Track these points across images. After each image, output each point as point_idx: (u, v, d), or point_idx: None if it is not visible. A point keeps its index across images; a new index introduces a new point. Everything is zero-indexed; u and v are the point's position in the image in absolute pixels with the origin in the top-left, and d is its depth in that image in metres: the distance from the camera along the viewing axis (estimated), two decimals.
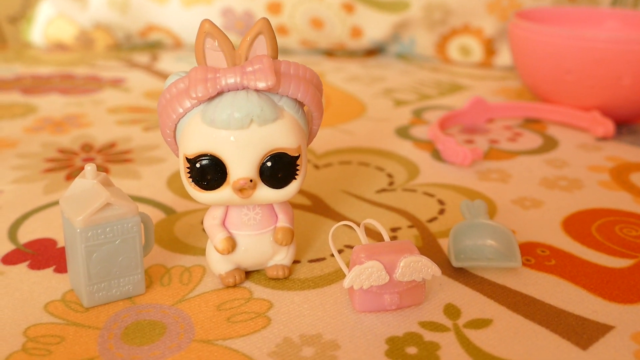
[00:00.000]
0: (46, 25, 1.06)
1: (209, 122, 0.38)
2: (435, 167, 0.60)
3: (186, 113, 0.39)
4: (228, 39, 0.39)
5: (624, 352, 0.36)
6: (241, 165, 0.38)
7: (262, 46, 0.39)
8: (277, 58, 0.39)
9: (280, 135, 0.38)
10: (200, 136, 0.38)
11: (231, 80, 0.37)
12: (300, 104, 0.40)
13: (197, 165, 0.38)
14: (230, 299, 0.40)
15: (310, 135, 0.42)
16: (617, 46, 0.65)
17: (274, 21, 0.98)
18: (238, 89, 0.38)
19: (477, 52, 0.97)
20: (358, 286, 0.38)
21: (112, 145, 0.65)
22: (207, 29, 0.38)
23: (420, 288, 0.39)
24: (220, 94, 0.38)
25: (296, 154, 0.39)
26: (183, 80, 0.39)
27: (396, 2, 0.95)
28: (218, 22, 1.00)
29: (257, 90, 0.38)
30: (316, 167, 0.60)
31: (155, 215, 0.51)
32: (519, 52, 0.73)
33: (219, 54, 0.39)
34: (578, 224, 0.50)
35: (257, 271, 0.43)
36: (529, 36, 0.71)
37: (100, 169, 0.59)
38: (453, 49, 0.98)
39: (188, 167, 0.39)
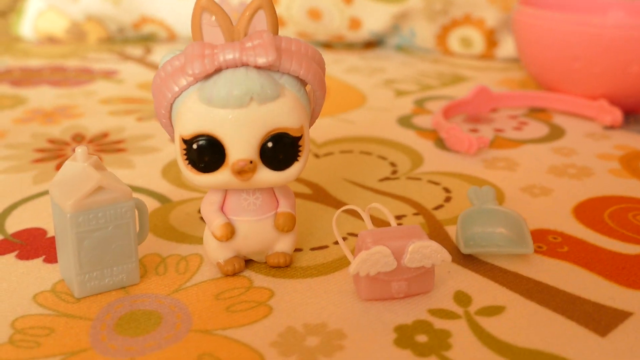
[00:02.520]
0: (37, 18, 1.04)
1: (206, 100, 0.36)
2: (439, 156, 0.58)
3: (182, 92, 0.37)
4: (226, 14, 0.37)
5: None
6: (240, 145, 0.36)
7: (261, 22, 0.37)
8: (277, 34, 0.38)
9: (282, 114, 0.36)
10: (197, 116, 0.36)
11: (230, 56, 0.35)
12: (302, 82, 0.38)
13: (194, 146, 0.36)
14: (229, 287, 0.38)
15: (313, 115, 0.40)
16: (625, 32, 0.63)
17: None
18: (237, 66, 0.36)
19: (478, 43, 0.95)
20: (364, 273, 0.36)
21: (104, 135, 0.63)
22: (204, 4, 0.36)
23: (429, 275, 0.37)
24: (218, 71, 0.36)
25: (298, 134, 0.37)
26: (179, 58, 0.37)
27: None
28: None
29: (257, 67, 0.36)
30: (316, 156, 0.58)
31: (150, 204, 0.49)
32: (524, 40, 0.72)
33: (216, 30, 0.37)
34: (590, 211, 0.48)
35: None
36: (535, 23, 0.69)
37: None
38: (454, 41, 0.96)
39: (184, 149, 0.37)
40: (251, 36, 0.36)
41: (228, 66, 0.36)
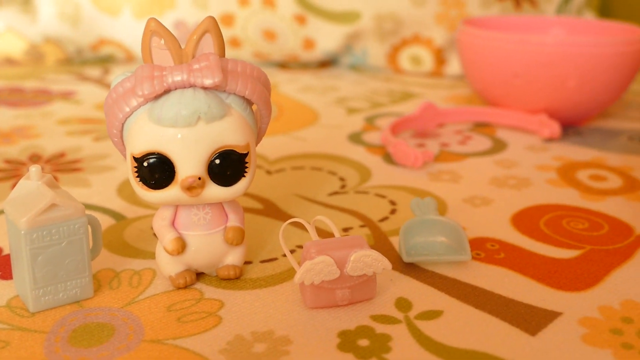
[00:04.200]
0: None
1: (155, 120, 0.37)
2: (387, 170, 0.60)
3: (133, 112, 0.39)
4: (174, 37, 0.38)
5: (572, 335, 0.36)
6: (189, 163, 0.38)
7: (208, 44, 0.39)
8: (224, 56, 0.39)
9: (228, 132, 0.38)
10: (147, 135, 0.38)
11: (178, 78, 0.37)
12: (248, 102, 0.40)
13: (145, 164, 0.38)
14: (181, 299, 0.40)
15: (259, 134, 0.42)
16: (562, 49, 0.67)
17: (227, 33, 0.98)
18: (185, 87, 0.38)
19: (427, 61, 0.98)
20: (309, 281, 0.37)
21: (61, 155, 0.64)
22: (153, 27, 0.38)
23: (372, 282, 0.39)
24: (167, 91, 0.38)
25: (245, 151, 0.39)
26: (129, 79, 0.39)
27: (347, 13, 0.96)
28: None
29: (204, 88, 0.38)
30: (268, 172, 0.60)
31: (105, 221, 0.50)
32: (468, 58, 0.75)
33: (165, 53, 0.39)
34: (527, 219, 0.50)
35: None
36: (478, 42, 0.72)
37: None
38: (404, 59, 0.99)
39: (135, 167, 0.38)
40: (198, 58, 0.38)
41: (176, 87, 0.38)
